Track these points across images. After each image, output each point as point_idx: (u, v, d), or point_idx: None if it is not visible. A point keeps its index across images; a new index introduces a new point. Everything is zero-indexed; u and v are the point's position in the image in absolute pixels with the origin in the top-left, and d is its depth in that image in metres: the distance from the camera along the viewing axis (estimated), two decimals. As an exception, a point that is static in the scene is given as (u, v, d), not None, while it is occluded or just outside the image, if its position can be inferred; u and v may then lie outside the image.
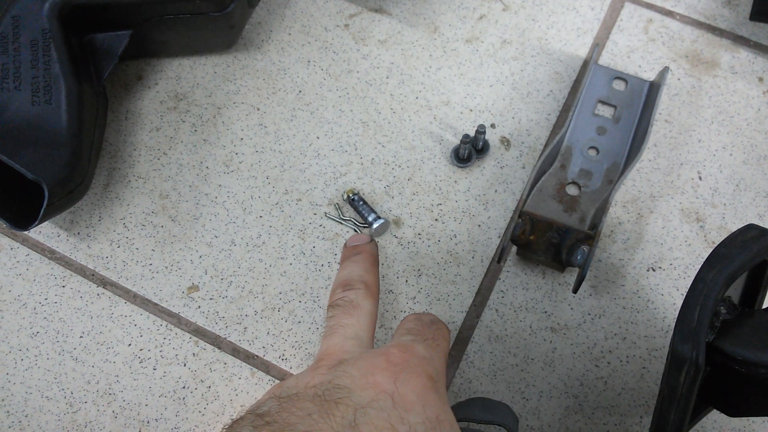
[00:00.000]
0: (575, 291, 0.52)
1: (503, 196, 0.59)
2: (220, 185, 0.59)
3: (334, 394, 0.33)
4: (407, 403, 0.33)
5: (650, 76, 0.64)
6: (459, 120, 0.62)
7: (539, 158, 0.56)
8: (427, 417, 0.33)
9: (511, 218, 0.56)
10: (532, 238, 0.53)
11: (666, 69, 0.60)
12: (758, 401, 0.41)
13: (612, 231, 0.57)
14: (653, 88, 0.62)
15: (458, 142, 0.60)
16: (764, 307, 0.44)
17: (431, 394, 0.35)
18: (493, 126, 0.62)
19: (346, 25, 0.67)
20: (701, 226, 0.58)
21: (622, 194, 0.59)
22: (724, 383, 0.42)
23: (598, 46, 0.63)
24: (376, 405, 0.33)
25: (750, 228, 0.42)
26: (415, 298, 0.55)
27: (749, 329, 0.41)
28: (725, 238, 0.41)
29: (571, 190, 0.59)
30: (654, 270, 0.56)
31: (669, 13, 0.68)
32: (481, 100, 0.63)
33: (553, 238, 0.53)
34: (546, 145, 0.61)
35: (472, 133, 0.59)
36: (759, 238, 0.41)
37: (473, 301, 0.55)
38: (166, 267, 0.56)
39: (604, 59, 0.66)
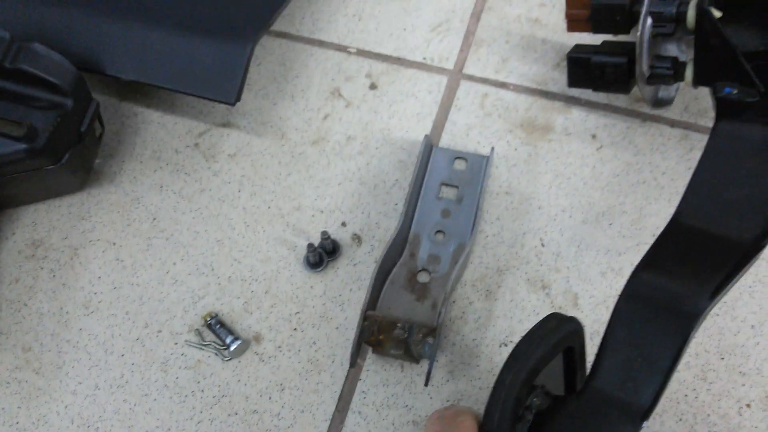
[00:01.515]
0: (426, 384, 0.54)
1: (358, 294, 0.61)
2: (80, 329, 0.60)
3: None
4: None
5: (489, 150, 0.66)
6: (311, 223, 0.64)
7: (381, 254, 0.58)
8: None
9: (359, 321, 0.58)
10: (381, 337, 0.55)
11: (492, 150, 0.63)
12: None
13: (463, 312, 0.59)
14: (490, 166, 0.64)
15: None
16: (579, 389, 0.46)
17: None
18: (344, 224, 0.64)
19: (196, 144, 0.69)
20: (547, 293, 0.60)
21: (470, 273, 0.61)
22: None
23: (427, 136, 0.66)
24: None
25: (550, 319, 0.44)
26: (279, 414, 0.56)
27: (562, 419, 0.43)
28: (526, 333, 0.43)
29: (422, 278, 0.61)
30: (506, 345, 0.58)
31: (503, 85, 0.71)
32: (330, 199, 0.66)
33: (400, 334, 0.55)
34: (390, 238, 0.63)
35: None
36: (558, 327, 0.43)
37: (336, 407, 0.57)
38: (33, 423, 0.57)
39: (445, 140, 0.68)
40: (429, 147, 0.66)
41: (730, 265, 0.44)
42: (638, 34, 0.56)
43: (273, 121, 0.70)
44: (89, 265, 0.63)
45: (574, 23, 0.62)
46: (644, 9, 0.56)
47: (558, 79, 0.71)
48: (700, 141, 0.67)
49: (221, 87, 0.60)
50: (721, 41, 0.53)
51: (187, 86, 0.62)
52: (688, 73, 0.57)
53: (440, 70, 0.72)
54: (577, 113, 0.69)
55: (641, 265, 0.46)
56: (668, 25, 0.57)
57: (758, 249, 0.45)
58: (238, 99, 0.60)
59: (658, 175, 0.65)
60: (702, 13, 0.53)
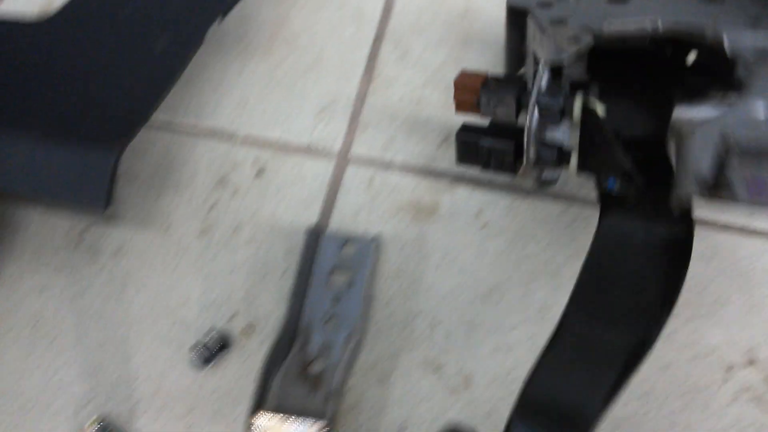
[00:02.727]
0: None
1: (252, 387, 0.60)
2: (-48, 450, 0.57)
3: None
4: None
5: (379, 232, 0.67)
6: (199, 318, 0.63)
7: (268, 349, 0.58)
8: None
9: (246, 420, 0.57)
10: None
11: (377, 235, 0.64)
12: None
13: (357, 401, 0.59)
14: (377, 248, 0.65)
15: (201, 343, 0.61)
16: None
17: None
18: (234, 317, 0.63)
19: (79, 242, 0.68)
20: (440, 376, 0.60)
21: (364, 359, 0.61)
22: None
23: (308, 230, 0.66)
24: None
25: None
26: None
27: None
28: None
29: (316, 367, 0.60)
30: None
31: (389, 167, 0.73)
32: (220, 292, 0.65)
33: None
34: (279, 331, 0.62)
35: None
36: None
37: None
38: None
39: (334, 223, 0.69)
40: (314, 238, 0.66)
41: (617, 371, 0.45)
42: (526, 124, 0.58)
43: (157, 213, 0.69)
44: (-38, 378, 0.60)
45: (462, 107, 0.63)
46: (532, 100, 0.57)
47: (442, 158, 0.74)
48: (581, 213, 0.70)
49: (89, 193, 0.59)
50: (603, 137, 0.55)
51: (54, 194, 0.60)
52: (573, 161, 0.59)
53: (327, 155, 0.73)
54: (461, 191, 0.71)
55: (532, 375, 0.47)
56: (554, 116, 0.59)
57: (640, 356, 0.46)
58: (108, 204, 0.59)
59: (542, 249, 0.68)
60: (586, 110, 0.56)
